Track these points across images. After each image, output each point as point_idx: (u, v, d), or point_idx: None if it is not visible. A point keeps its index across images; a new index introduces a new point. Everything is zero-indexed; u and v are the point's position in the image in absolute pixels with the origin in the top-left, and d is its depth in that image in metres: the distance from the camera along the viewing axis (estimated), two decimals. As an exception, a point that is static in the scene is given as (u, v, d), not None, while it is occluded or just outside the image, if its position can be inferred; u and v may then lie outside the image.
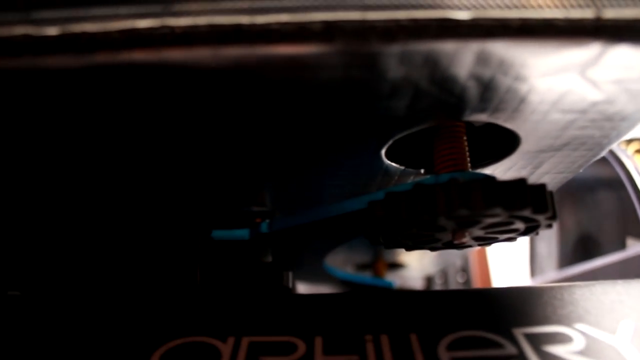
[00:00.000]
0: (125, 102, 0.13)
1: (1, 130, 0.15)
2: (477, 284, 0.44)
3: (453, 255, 0.34)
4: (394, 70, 0.13)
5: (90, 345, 0.14)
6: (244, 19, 0.12)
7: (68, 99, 0.13)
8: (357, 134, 0.15)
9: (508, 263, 0.47)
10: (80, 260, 0.17)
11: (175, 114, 0.14)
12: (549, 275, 0.37)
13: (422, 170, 0.18)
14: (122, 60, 0.12)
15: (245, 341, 0.14)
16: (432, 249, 0.17)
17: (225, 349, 0.14)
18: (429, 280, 0.36)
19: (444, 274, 0.44)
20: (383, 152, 0.16)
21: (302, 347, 0.14)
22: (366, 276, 0.31)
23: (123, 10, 0.13)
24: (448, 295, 0.16)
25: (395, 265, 0.32)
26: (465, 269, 0.44)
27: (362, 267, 0.32)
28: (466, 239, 0.16)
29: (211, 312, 0.15)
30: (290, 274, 0.19)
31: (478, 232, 0.16)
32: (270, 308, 0.16)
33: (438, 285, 0.37)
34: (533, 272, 0.41)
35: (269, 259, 0.20)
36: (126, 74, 0.13)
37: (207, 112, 0.14)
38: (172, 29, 0.12)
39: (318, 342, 0.14)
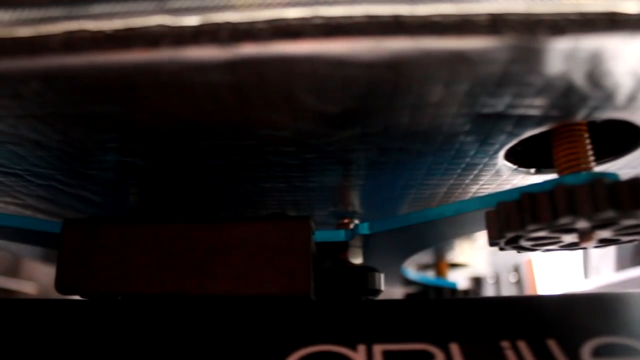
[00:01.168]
0: (270, 95, 0.13)
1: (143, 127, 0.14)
2: (528, 284, 0.44)
3: (511, 256, 0.34)
4: (555, 65, 0.12)
5: (219, 354, 0.14)
6: (403, 9, 0.11)
7: (207, 93, 0.13)
8: (488, 132, 0.14)
9: (559, 263, 0.46)
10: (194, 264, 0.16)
11: (319, 109, 0.13)
12: (606, 277, 0.37)
13: (533, 170, 0.17)
14: (269, 52, 0.11)
15: (377, 349, 0.14)
16: (549, 250, 0.16)
17: (359, 357, 0.13)
18: (478, 280, 0.35)
19: (496, 273, 0.44)
20: (503, 152, 0.15)
21: (439, 355, 0.13)
22: (430, 276, 0.30)
23: (269, -2, 0.12)
24: (567, 300, 0.15)
25: (457, 265, 0.32)
26: (517, 269, 0.44)
27: (424, 267, 0.31)
28: (592, 241, 0.15)
29: (331, 319, 0.15)
30: (382, 276, 0.19)
31: (606, 234, 0.15)
32: (391, 313, 0.15)
33: (489, 285, 0.37)
34: (587, 273, 0.40)
35: (360, 260, 0.19)
36: (273, 67, 0.12)
37: (350, 107, 0.13)
38: (325, 19, 0.11)
39: (455, 349, 0.14)
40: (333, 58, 0.11)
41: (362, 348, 0.14)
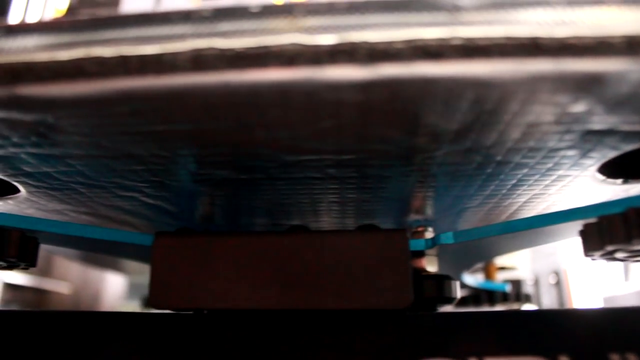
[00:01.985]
0: (395, 113, 0.12)
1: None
2: (566, 285, 0.44)
3: (553, 260, 0.34)
4: (682, 84, 0.12)
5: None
6: (541, 31, 0.11)
7: (332, 111, 0.12)
8: (592, 147, 0.15)
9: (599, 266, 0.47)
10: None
11: (440, 126, 0.13)
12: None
13: (619, 181, 0.17)
14: (408, 73, 0.11)
15: (490, 365, 0.14)
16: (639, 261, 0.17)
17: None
18: (518, 282, 0.36)
19: (535, 275, 0.44)
20: (599, 164, 0.16)
21: (553, 370, 0.14)
22: (480, 279, 0.31)
23: (405, 18, 0.12)
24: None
25: (505, 269, 0.32)
26: (557, 271, 0.44)
27: (473, 270, 0.31)
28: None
29: (432, 331, 0.15)
30: (458, 284, 0.19)
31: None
32: (494, 325, 0.15)
33: (529, 287, 0.37)
34: (627, 275, 0.41)
35: (434, 268, 0.19)
36: (409, 87, 0.12)
37: (469, 123, 0.13)
38: (464, 40, 0.11)
39: (566, 364, 0.14)
40: (472, 79, 0.11)
41: (473, 363, 0.14)
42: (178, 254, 0.16)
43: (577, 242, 0.21)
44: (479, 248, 0.20)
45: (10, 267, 0.17)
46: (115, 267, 0.41)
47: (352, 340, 0.15)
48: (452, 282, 0.19)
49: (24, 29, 0.13)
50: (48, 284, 0.44)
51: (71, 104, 0.13)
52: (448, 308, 0.20)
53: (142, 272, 0.38)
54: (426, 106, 0.12)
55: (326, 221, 0.21)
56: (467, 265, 0.23)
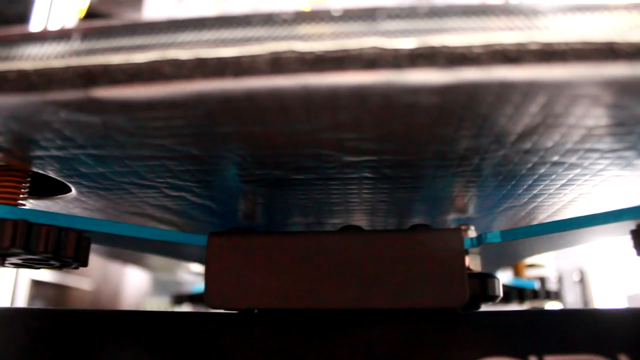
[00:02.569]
0: (468, 115, 0.13)
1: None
2: (590, 283, 0.45)
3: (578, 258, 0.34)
4: None
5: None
6: (616, 36, 0.12)
7: (404, 113, 0.13)
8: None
9: (625, 261, 0.47)
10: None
11: (507, 127, 0.13)
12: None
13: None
14: (488, 77, 0.11)
15: (551, 363, 0.14)
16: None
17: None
18: (542, 279, 0.36)
19: (559, 273, 0.44)
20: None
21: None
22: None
23: (484, 22, 0.12)
24: None
25: (533, 266, 0.32)
26: (580, 269, 0.45)
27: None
28: None
29: (486, 330, 0.15)
30: (500, 282, 0.19)
31: None
32: (552, 324, 0.15)
33: (553, 284, 0.38)
34: None
35: (477, 267, 0.20)
36: (488, 90, 0.12)
37: (534, 125, 0.13)
38: (542, 45, 0.11)
39: (627, 362, 0.14)
40: (547, 83, 0.12)
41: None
42: (232, 253, 0.16)
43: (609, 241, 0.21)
44: (520, 247, 0.20)
45: (62, 266, 0.17)
46: (139, 263, 0.41)
47: (408, 340, 0.15)
48: (496, 280, 0.19)
49: (98, 31, 0.13)
50: (70, 280, 0.44)
51: (145, 107, 0.13)
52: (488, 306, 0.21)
53: (166, 268, 0.38)
54: (499, 109, 0.12)
55: (370, 220, 0.21)
56: (502, 263, 0.23)
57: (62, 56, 0.13)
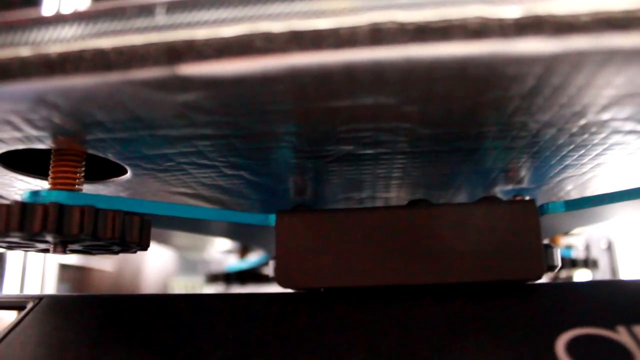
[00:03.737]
0: (568, 85, 0.12)
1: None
2: (617, 250, 0.45)
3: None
4: None
5: (483, 346, 0.14)
6: None
7: (502, 84, 0.12)
8: None
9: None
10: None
11: (602, 95, 0.13)
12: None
13: None
14: (597, 45, 0.11)
15: (639, 331, 0.14)
16: None
17: (623, 339, 0.14)
18: (571, 247, 0.36)
19: (586, 241, 0.45)
20: None
21: None
22: None
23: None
24: None
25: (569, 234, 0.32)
26: (608, 237, 0.45)
27: None
28: None
29: (568, 301, 0.15)
30: (559, 251, 0.19)
31: None
32: (625, 294, 0.15)
33: (580, 252, 0.38)
34: None
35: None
36: (596, 59, 0.11)
37: (624, 94, 0.13)
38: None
39: None
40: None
41: (622, 330, 0.14)
42: (301, 232, 0.16)
43: None
44: (569, 219, 0.20)
45: (122, 251, 0.17)
46: (165, 242, 0.40)
47: (484, 314, 0.15)
48: (556, 250, 0.19)
49: (180, 4, 0.12)
50: (93, 263, 0.43)
51: (234, 83, 0.12)
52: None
53: (194, 247, 0.38)
54: (602, 77, 0.12)
55: (430, 193, 0.21)
56: (551, 233, 0.23)
57: (143, 31, 0.12)
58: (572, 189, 0.21)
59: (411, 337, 0.14)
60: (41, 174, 0.18)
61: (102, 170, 0.18)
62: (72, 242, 0.15)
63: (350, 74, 0.12)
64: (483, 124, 0.14)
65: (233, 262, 0.37)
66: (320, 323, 0.15)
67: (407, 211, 0.16)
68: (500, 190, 0.21)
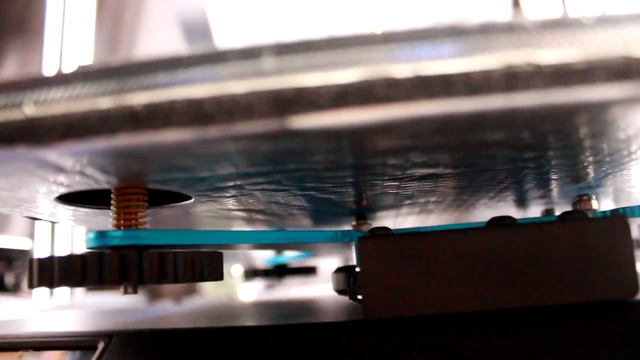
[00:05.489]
0: None
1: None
2: None
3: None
4: None
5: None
6: None
7: None
8: None
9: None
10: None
11: None
12: None
13: None
14: None
15: None
16: None
17: None
18: None
19: None
20: None
21: None
22: None
23: None
24: None
25: None
26: None
27: None
28: None
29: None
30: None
31: None
32: None
33: None
34: None
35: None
36: None
37: None
38: None
39: None
40: None
41: None
42: (386, 258, 0.15)
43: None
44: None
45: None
46: None
47: (587, 335, 0.15)
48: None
49: (288, 47, 0.11)
50: None
51: (349, 133, 0.11)
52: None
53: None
54: None
55: (504, 208, 0.20)
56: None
57: (245, 78, 0.11)
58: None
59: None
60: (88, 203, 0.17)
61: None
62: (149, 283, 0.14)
63: (477, 120, 0.11)
64: (587, 147, 0.14)
65: (270, 256, 0.36)
66: (413, 350, 0.15)
67: (491, 233, 0.15)
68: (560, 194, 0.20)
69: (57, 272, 0.13)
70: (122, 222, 0.15)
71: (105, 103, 0.11)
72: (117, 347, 0.15)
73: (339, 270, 0.20)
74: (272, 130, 0.11)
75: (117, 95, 0.11)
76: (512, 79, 0.10)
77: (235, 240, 0.16)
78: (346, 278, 0.19)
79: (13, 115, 0.11)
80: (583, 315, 0.15)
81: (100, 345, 0.15)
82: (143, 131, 0.11)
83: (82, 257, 0.13)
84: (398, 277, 0.15)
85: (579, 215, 0.16)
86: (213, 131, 0.11)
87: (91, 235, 0.15)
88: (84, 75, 0.11)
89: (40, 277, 0.14)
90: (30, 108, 0.11)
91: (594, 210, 0.19)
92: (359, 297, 0.16)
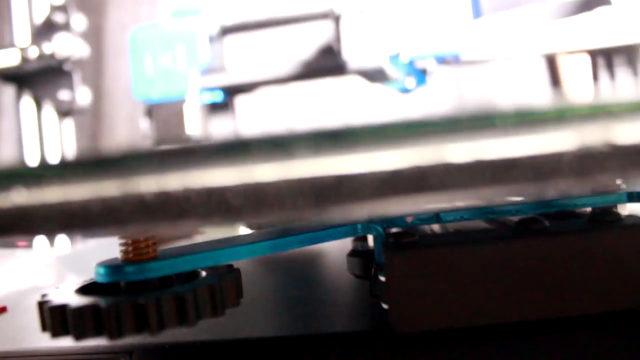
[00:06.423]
0: None
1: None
2: None
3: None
4: None
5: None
6: None
7: None
8: None
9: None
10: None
11: None
12: None
13: None
14: None
15: None
16: None
17: None
18: None
19: None
20: None
21: None
22: None
23: None
24: None
25: None
26: None
27: None
28: None
29: None
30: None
31: None
32: None
33: None
34: None
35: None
36: None
37: None
38: None
39: None
40: None
41: None
42: (415, 269, 0.14)
43: None
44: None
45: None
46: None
47: (618, 344, 0.14)
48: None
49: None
50: None
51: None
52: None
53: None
54: None
55: None
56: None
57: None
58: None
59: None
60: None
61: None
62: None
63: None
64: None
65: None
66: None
67: (526, 242, 0.14)
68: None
69: (71, 324, 0.13)
70: (131, 255, 0.14)
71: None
72: (140, 365, 0.15)
73: (354, 254, 0.19)
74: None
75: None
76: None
77: (252, 254, 0.15)
78: (363, 265, 0.18)
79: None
80: (621, 323, 0.15)
81: (122, 365, 0.15)
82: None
83: (92, 308, 0.12)
84: (427, 289, 0.15)
85: (611, 217, 0.15)
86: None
87: (102, 270, 0.14)
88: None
89: (54, 328, 0.13)
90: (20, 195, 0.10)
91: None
92: (385, 306, 0.15)
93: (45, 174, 0.09)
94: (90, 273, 0.15)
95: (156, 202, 0.09)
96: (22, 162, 0.10)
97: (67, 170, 0.09)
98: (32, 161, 0.10)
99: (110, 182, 0.09)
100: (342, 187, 0.09)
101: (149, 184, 0.09)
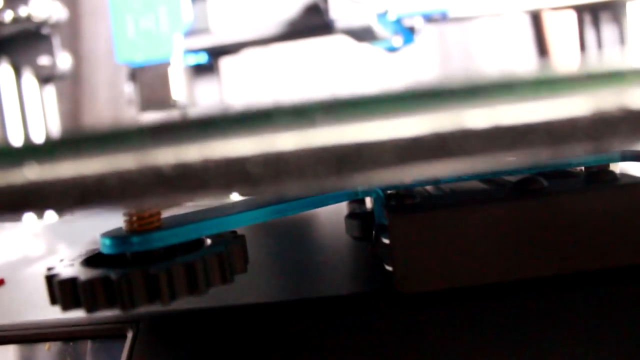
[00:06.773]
0: None
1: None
2: None
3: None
4: None
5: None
6: None
7: None
8: None
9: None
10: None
11: None
12: None
13: None
14: None
15: None
16: None
17: None
18: None
19: None
20: None
21: None
22: None
23: None
24: None
25: None
26: None
27: None
28: None
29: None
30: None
31: None
32: None
33: None
34: None
35: None
36: None
37: None
38: None
39: None
40: None
41: None
42: (418, 234, 0.15)
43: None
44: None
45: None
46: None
47: (617, 300, 0.15)
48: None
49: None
50: None
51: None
52: None
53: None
54: None
55: None
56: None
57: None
58: None
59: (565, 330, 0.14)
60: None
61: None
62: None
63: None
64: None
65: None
66: (448, 321, 0.15)
67: (526, 203, 0.15)
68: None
69: (83, 297, 0.13)
70: (135, 225, 0.14)
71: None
72: (147, 334, 0.15)
73: (353, 216, 0.19)
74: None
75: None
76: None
77: (255, 220, 0.15)
78: (363, 227, 0.19)
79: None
80: (620, 279, 0.15)
81: (130, 334, 0.15)
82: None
83: (101, 280, 0.12)
84: (431, 250, 0.15)
85: (608, 177, 0.16)
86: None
87: (108, 241, 0.14)
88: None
89: (64, 301, 0.13)
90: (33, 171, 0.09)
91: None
92: (388, 268, 0.15)
93: (58, 148, 0.09)
94: (80, 242, 0.15)
95: (174, 174, 0.09)
96: (33, 138, 0.10)
97: (81, 144, 0.09)
98: (43, 136, 0.10)
99: (126, 155, 0.09)
100: (362, 155, 0.09)
101: (166, 155, 0.09)
